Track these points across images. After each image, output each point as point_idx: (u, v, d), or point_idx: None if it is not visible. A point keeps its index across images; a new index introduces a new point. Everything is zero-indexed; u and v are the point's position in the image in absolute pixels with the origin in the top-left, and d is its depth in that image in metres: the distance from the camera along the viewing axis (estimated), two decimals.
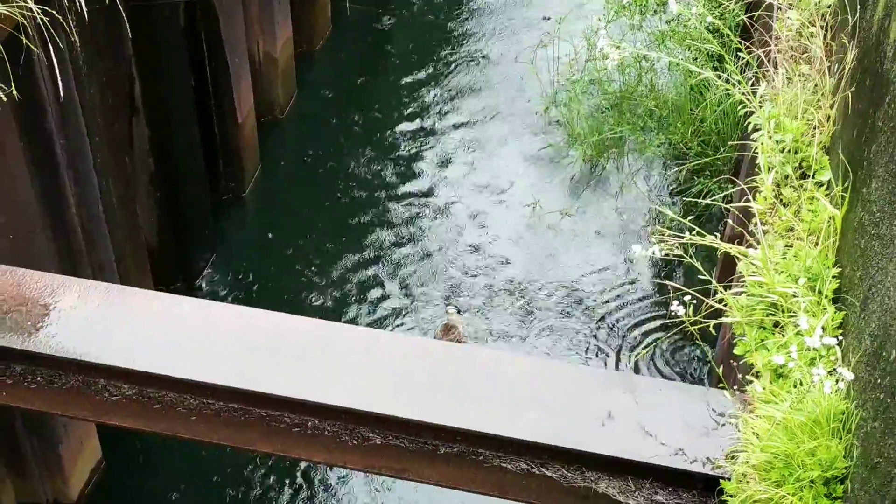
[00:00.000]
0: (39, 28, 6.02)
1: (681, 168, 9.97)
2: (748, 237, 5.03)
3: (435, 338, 9.14)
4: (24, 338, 4.96)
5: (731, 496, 4.25)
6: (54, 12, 6.07)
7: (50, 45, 6.19)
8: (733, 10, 7.91)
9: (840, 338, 4.31)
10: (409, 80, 11.94)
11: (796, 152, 5.20)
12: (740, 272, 4.85)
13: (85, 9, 6.20)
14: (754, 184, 5.28)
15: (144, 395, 5.00)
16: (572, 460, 4.66)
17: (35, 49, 6.28)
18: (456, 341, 9.05)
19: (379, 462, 4.89)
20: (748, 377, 4.53)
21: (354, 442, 4.86)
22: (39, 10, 5.77)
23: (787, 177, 5.15)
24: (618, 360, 9.15)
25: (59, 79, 6.63)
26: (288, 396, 4.80)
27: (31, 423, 7.27)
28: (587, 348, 9.24)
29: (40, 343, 4.95)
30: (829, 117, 5.23)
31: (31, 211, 7.10)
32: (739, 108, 5.72)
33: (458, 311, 9.27)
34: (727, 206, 6.13)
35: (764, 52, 5.87)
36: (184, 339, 4.99)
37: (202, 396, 4.94)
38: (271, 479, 8.43)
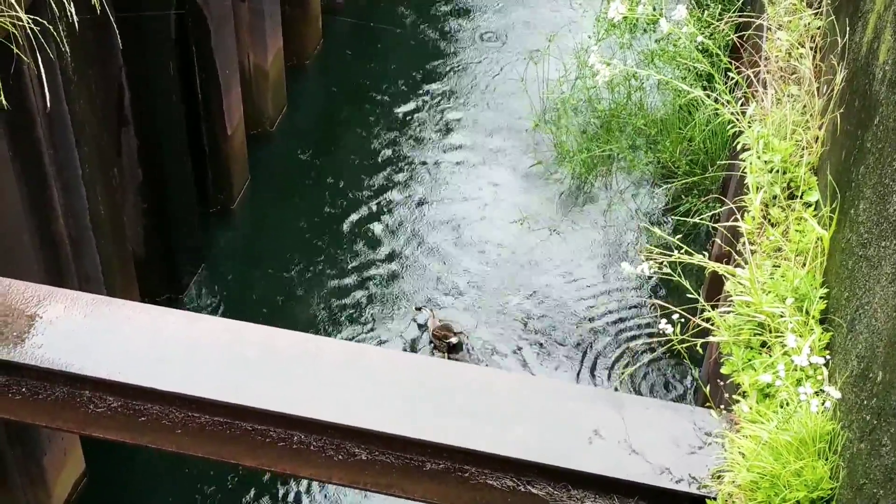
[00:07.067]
0: (29, 37, 6.01)
1: (669, 187, 9.99)
2: (736, 256, 5.04)
3: (434, 341, 9.15)
4: (9, 348, 4.94)
5: None
6: (44, 22, 6.06)
7: (39, 54, 6.18)
8: (723, 29, 7.95)
9: (827, 358, 4.32)
10: (399, 94, 11.95)
11: (784, 172, 5.22)
12: (728, 291, 4.85)
13: (75, 18, 6.20)
14: (742, 203, 5.30)
15: (130, 408, 4.98)
16: (558, 478, 4.65)
17: (25, 59, 6.26)
18: (458, 340, 9.06)
19: (364, 477, 4.87)
20: (735, 396, 4.54)
21: (340, 457, 4.84)
22: (30, 20, 5.76)
23: (775, 197, 5.16)
24: (603, 377, 9.16)
25: (47, 89, 6.61)
26: (274, 410, 4.79)
27: (13, 433, 7.23)
28: (574, 365, 9.24)
29: (25, 354, 4.93)
30: (817, 138, 5.25)
31: (18, 221, 7.08)
32: (728, 127, 5.74)
33: (420, 308, 9.34)
34: (715, 225, 6.13)
35: (753, 72, 5.90)
36: (170, 352, 4.97)
37: (188, 409, 4.92)
38: (255, 493, 8.39)
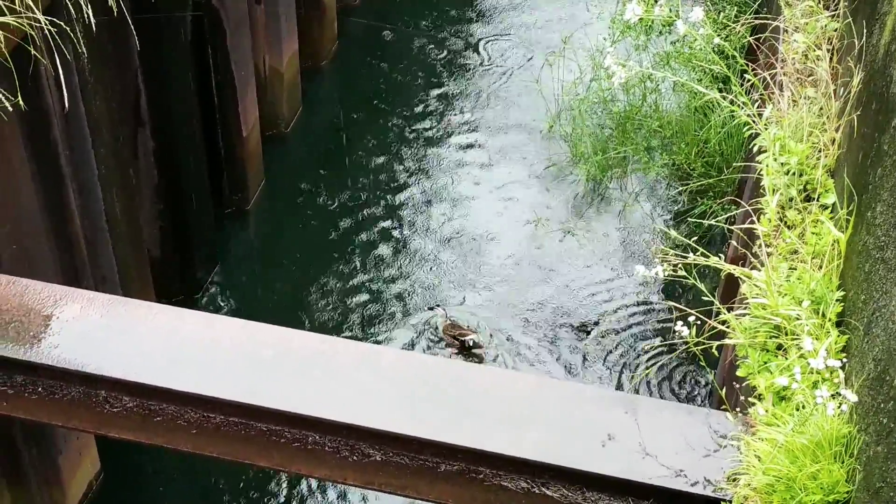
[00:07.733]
0: (47, 39, 6.03)
1: (684, 189, 9.97)
2: (752, 259, 5.03)
3: (445, 338, 9.15)
4: (26, 348, 4.96)
5: None
6: (62, 23, 6.08)
7: (57, 55, 6.20)
8: (739, 31, 7.93)
9: (843, 361, 4.30)
10: (414, 95, 11.96)
11: (801, 175, 5.20)
12: (744, 294, 4.84)
13: (92, 20, 6.21)
14: (758, 205, 5.28)
15: (145, 408, 4.99)
16: (573, 480, 4.65)
17: (42, 60, 6.29)
18: (472, 338, 9.06)
19: (379, 479, 4.88)
20: (750, 399, 4.53)
21: (355, 458, 4.85)
22: (47, 21, 5.78)
23: (791, 199, 5.15)
24: (619, 380, 9.14)
25: (64, 90, 6.63)
26: (289, 411, 4.80)
27: (29, 433, 7.26)
28: (588, 367, 9.23)
29: (42, 354, 4.95)
30: (834, 140, 5.23)
31: (35, 221, 7.10)
32: (744, 129, 5.72)
33: (433, 307, 9.43)
34: (731, 227, 6.12)
35: (770, 74, 5.88)
36: (185, 352, 4.99)
37: (203, 410, 4.93)
38: (270, 493, 8.40)
